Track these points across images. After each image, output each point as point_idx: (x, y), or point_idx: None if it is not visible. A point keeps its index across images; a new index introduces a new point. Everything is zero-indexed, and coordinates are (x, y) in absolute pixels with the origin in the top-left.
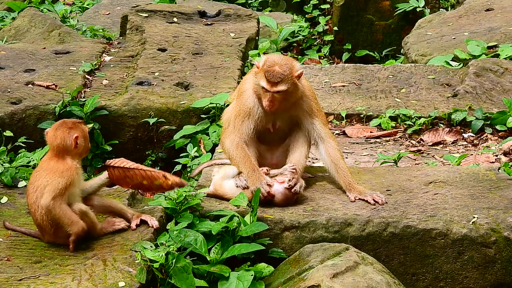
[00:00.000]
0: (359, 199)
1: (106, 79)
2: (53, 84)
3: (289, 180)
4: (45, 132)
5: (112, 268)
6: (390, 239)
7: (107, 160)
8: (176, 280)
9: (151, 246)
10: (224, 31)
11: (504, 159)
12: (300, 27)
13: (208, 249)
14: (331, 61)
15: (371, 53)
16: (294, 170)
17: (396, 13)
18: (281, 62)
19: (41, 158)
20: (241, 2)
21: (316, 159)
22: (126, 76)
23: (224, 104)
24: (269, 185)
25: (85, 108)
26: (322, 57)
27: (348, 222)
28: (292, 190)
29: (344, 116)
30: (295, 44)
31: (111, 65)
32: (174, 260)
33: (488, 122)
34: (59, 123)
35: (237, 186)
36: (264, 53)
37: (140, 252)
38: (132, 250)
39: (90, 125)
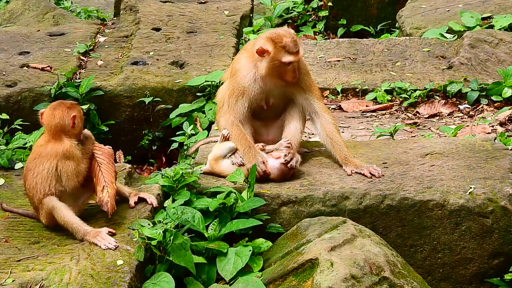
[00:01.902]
0: (356, 172)
1: (101, 60)
2: (48, 66)
3: (285, 155)
4: (40, 113)
5: None
6: (387, 211)
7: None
8: (174, 257)
9: (149, 224)
10: (218, 9)
11: (500, 129)
12: (294, 4)
13: (206, 226)
14: (326, 37)
15: (366, 28)
16: (290, 145)
17: None
18: (285, 32)
19: (34, 143)
20: None
21: (313, 134)
22: (121, 56)
23: (219, 82)
24: (265, 163)
25: (81, 89)
26: (317, 33)
27: (345, 195)
28: (288, 165)
29: (339, 90)
30: (290, 21)
31: (106, 46)
32: (171, 237)
33: (484, 93)
34: (56, 103)
35: (233, 164)
36: (258, 31)
37: (137, 230)
38: (129, 228)
39: (86, 106)
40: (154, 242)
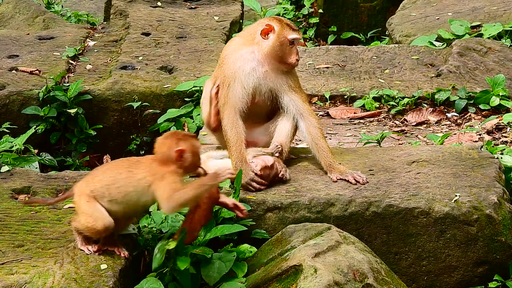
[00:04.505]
0: (341, 179)
1: (90, 64)
2: (37, 70)
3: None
4: (156, 139)
5: None
6: (372, 218)
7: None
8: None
9: (133, 229)
10: (208, 15)
11: (487, 137)
12: (285, 10)
13: None
14: (316, 44)
15: (356, 35)
16: (280, 150)
17: None
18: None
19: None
20: None
21: (300, 140)
22: (110, 60)
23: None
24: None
25: (69, 93)
26: (307, 40)
27: (331, 202)
28: (280, 174)
29: (328, 97)
30: None
31: (95, 50)
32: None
33: (472, 102)
34: (171, 132)
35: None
36: None
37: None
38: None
39: (74, 110)
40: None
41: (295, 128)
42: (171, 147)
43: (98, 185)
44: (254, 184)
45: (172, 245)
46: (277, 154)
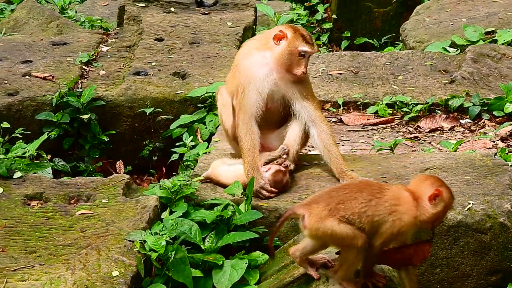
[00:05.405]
0: None
1: (103, 70)
2: (50, 75)
3: (284, 158)
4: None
5: (106, 257)
6: None
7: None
8: (174, 272)
9: (144, 235)
10: (221, 20)
11: (501, 144)
12: (298, 15)
13: (202, 238)
14: (330, 49)
15: (370, 41)
16: (287, 152)
17: None
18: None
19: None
20: None
21: (313, 147)
22: (123, 66)
23: None
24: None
25: (82, 99)
26: (321, 45)
27: None
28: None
29: (341, 103)
30: None
31: (108, 56)
32: (173, 252)
33: (486, 108)
34: (440, 179)
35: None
36: None
37: (139, 240)
38: (126, 239)
39: (87, 116)
40: (154, 255)
41: (306, 133)
42: (433, 184)
43: (348, 212)
44: (264, 192)
45: None
46: (284, 156)
